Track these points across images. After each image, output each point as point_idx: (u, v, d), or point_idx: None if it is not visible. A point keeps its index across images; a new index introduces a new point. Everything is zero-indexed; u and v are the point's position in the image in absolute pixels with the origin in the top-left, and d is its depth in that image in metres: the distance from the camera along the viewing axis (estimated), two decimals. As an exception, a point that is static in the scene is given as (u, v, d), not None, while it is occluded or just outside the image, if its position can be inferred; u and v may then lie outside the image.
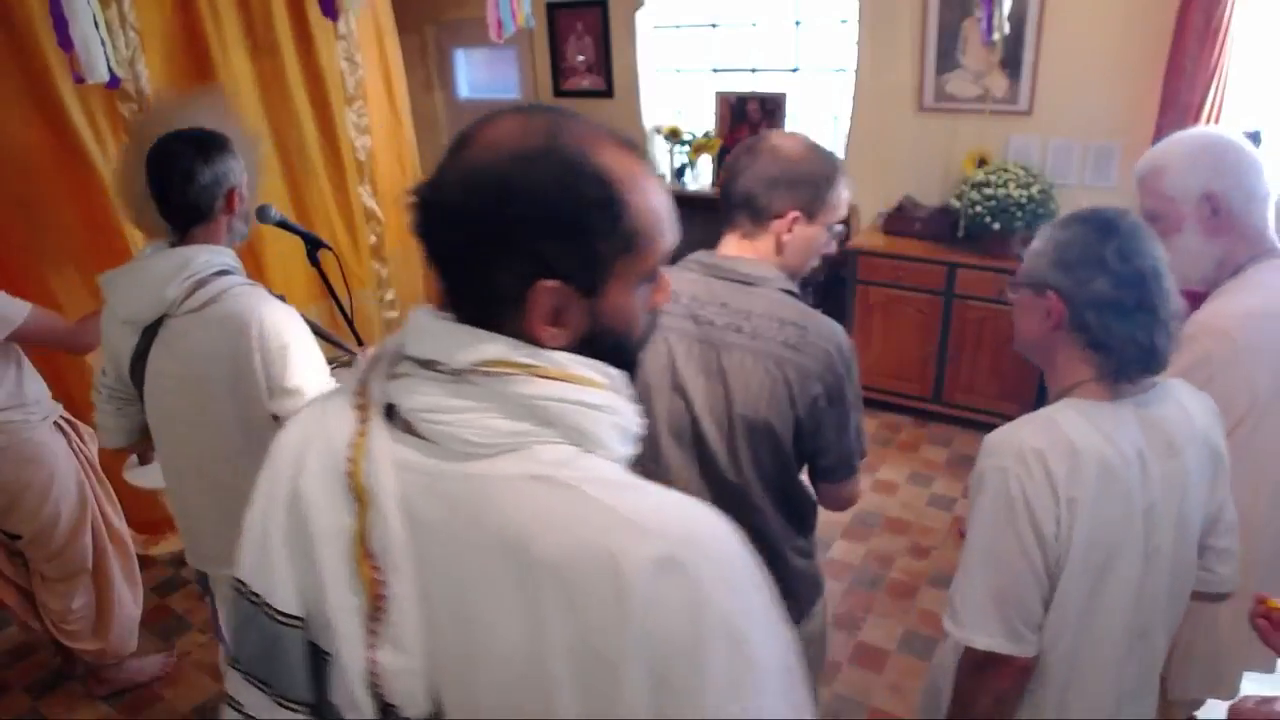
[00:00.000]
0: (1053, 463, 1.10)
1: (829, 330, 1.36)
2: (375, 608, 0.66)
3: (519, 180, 0.65)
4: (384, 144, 3.83)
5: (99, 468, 2.43)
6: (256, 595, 0.71)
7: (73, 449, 2.32)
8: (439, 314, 0.70)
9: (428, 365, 0.68)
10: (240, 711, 0.74)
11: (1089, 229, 1.15)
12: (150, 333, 1.63)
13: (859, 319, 3.96)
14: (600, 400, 0.69)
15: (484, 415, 0.66)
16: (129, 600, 2.51)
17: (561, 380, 0.67)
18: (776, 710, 0.65)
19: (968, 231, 3.70)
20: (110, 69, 2.17)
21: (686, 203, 5.19)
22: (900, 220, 3.97)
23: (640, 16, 4.67)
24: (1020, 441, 1.13)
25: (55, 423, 2.28)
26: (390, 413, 0.71)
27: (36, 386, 2.25)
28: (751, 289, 1.36)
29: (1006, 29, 3.42)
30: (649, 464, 1.36)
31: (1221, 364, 1.38)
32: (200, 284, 1.59)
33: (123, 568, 2.49)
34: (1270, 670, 1.73)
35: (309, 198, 3.52)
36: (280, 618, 0.70)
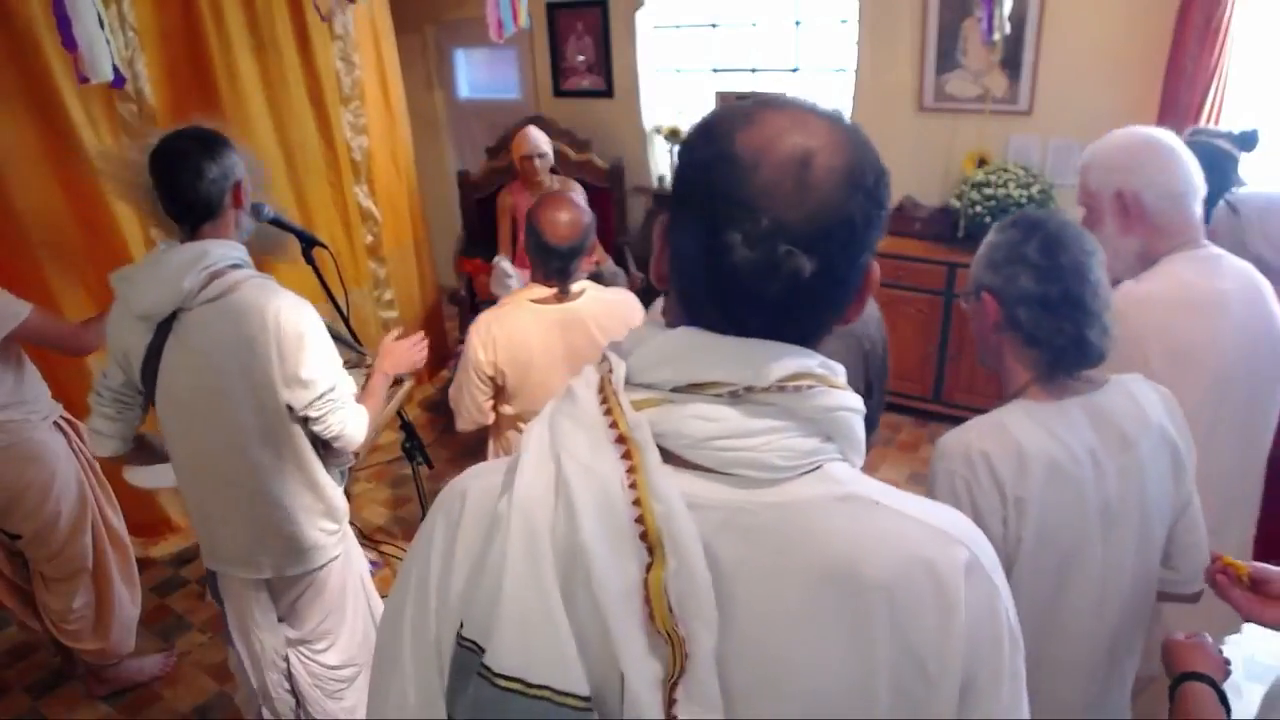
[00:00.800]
0: (998, 464, 1.13)
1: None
2: (677, 667, 0.58)
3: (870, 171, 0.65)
4: (380, 144, 3.83)
5: (99, 468, 2.43)
6: (543, 687, 0.57)
7: (73, 449, 2.32)
8: (700, 330, 0.63)
9: (695, 389, 0.62)
10: None
11: (1015, 230, 1.20)
12: (164, 329, 1.64)
13: (859, 319, 3.95)
14: (860, 406, 0.67)
15: (784, 436, 0.62)
16: (127, 600, 2.51)
17: (842, 389, 0.65)
18: (1025, 690, 0.67)
19: (968, 231, 3.70)
20: (115, 68, 2.18)
21: (686, 203, 5.22)
22: (900, 220, 3.97)
23: (640, 16, 4.67)
24: (968, 444, 1.16)
25: (55, 422, 2.28)
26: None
27: (37, 386, 2.25)
28: None
29: (1007, 29, 3.42)
30: None
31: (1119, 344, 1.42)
32: (216, 275, 1.62)
33: (121, 568, 2.49)
34: (1229, 633, 1.71)
35: (307, 197, 3.52)
36: (579, 704, 0.57)
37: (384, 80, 3.87)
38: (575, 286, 2.02)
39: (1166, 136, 1.53)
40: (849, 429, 0.65)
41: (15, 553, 2.36)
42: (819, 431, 0.63)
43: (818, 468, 0.63)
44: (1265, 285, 1.57)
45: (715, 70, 4.81)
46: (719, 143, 0.62)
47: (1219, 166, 2.23)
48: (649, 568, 0.58)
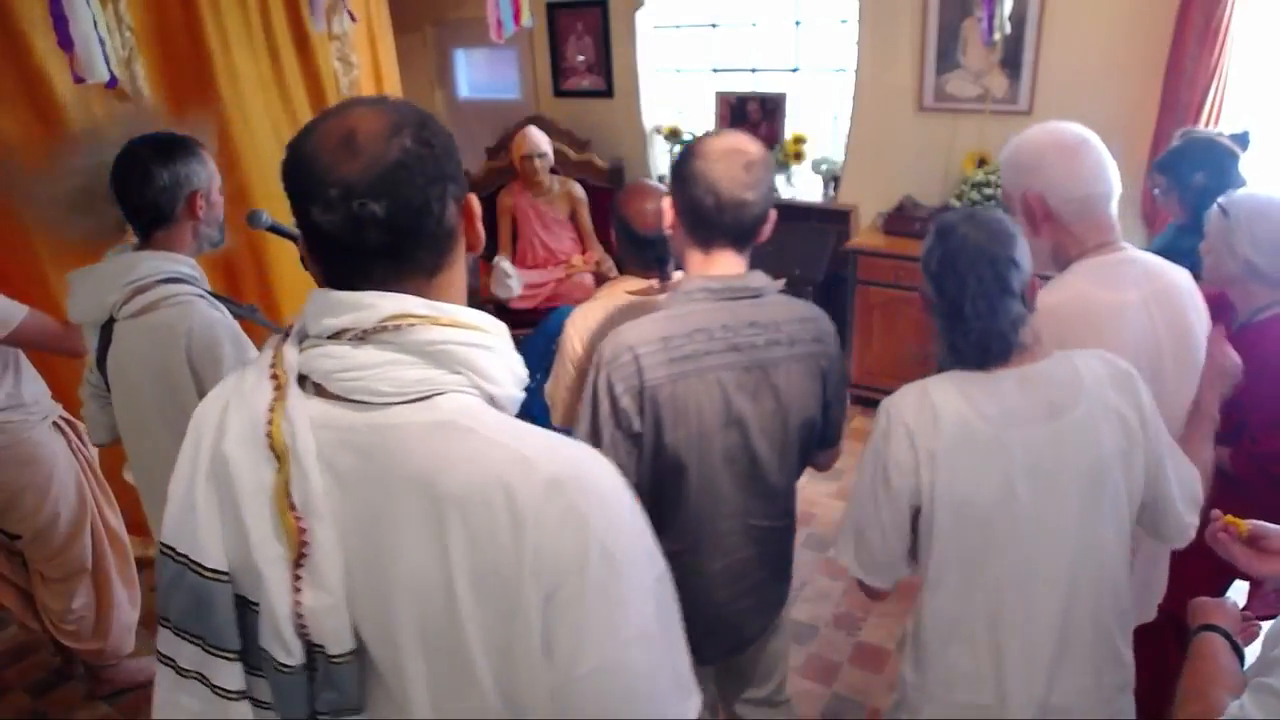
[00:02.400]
0: (911, 420, 1.28)
1: (819, 310, 1.52)
2: (299, 554, 0.73)
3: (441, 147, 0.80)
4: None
5: (98, 468, 2.43)
6: (184, 555, 0.77)
7: (72, 449, 2.32)
8: (326, 291, 0.78)
9: (336, 336, 0.76)
10: (173, 666, 0.81)
11: (930, 238, 1.33)
12: (106, 334, 1.64)
13: (859, 319, 3.96)
14: (489, 343, 0.79)
15: (393, 368, 0.75)
16: (126, 601, 2.51)
17: (455, 326, 0.77)
18: (645, 620, 0.75)
19: (968, 231, 3.70)
20: (109, 69, 2.18)
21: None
22: (900, 220, 3.97)
23: (640, 16, 4.67)
24: (891, 403, 1.33)
25: (54, 423, 2.28)
26: (303, 381, 0.79)
27: (35, 387, 2.25)
28: (761, 300, 1.43)
29: (1007, 29, 3.42)
30: (700, 495, 1.44)
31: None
32: (139, 290, 1.58)
33: (120, 568, 2.49)
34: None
35: (309, 198, 3.52)
36: (208, 574, 0.76)
37: (381, 80, 3.86)
38: (674, 277, 1.97)
39: (1078, 135, 1.50)
40: (466, 360, 0.77)
41: (15, 553, 2.36)
42: (434, 364, 0.76)
43: (428, 397, 0.75)
44: (1180, 289, 1.54)
45: (715, 70, 4.81)
46: (291, 152, 0.78)
47: (1219, 163, 2.23)
48: (278, 473, 0.74)
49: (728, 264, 1.42)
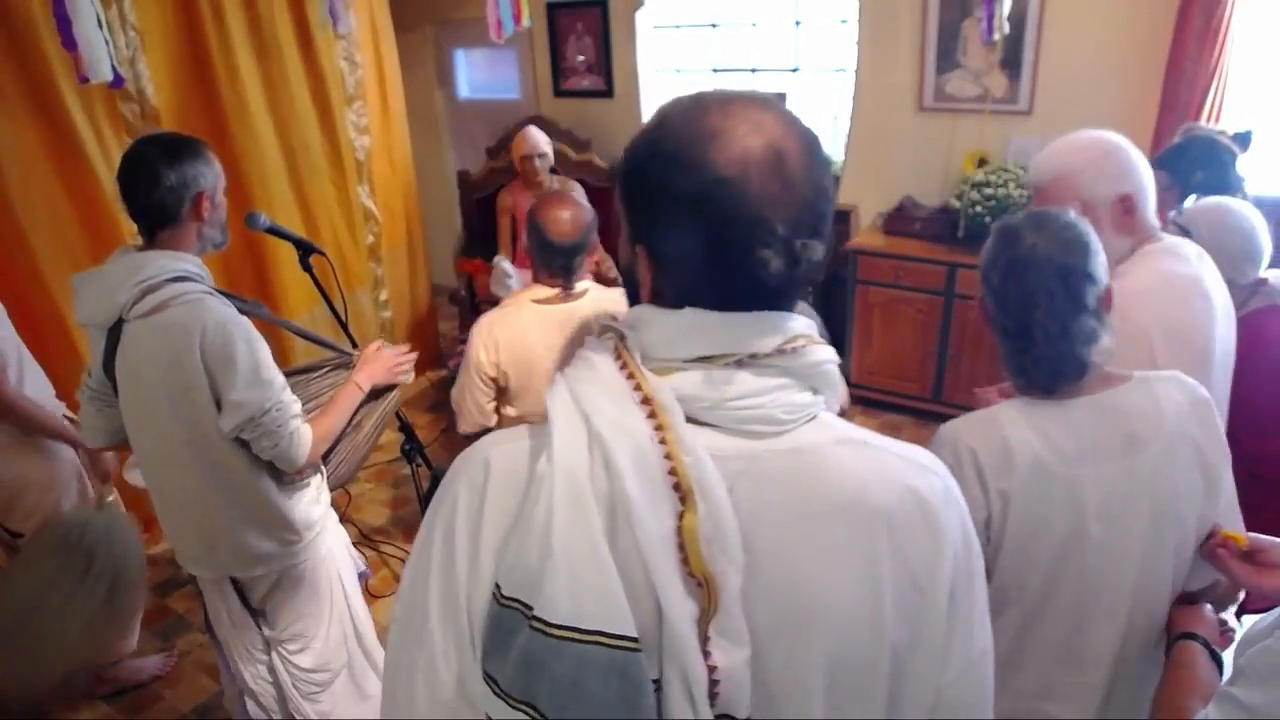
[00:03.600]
0: (983, 458, 1.18)
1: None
2: (710, 606, 0.63)
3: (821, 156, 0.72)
4: (378, 144, 3.84)
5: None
6: (596, 632, 0.61)
7: (75, 449, 2.32)
8: (704, 311, 0.69)
9: (705, 360, 0.68)
10: None
11: (993, 243, 1.22)
12: (115, 335, 1.64)
13: (859, 319, 3.96)
14: (835, 355, 0.75)
15: (786, 393, 0.69)
16: (129, 600, 2.51)
17: (823, 344, 0.73)
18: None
19: (968, 231, 3.70)
20: (114, 68, 2.18)
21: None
22: (900, 220, 3.97)
23: (640, 16, 4.67)
24: (957, 436, 1.22)
25: (56, 422, 2.29)
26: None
27: (39, 386, 2.25)
28: None
29: (1006, 29, 3.41)
30: None
31: (1122, 351, 1.42)
32: (150, 290, 1.58)
33: (123, 567, 2.49)
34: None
35: (312, 198, 3.53)
36: (630, 645, 0.61)
37: (383, 80, 3.87)
38: (579, 286, 2.02)
39: (1120, 136, 1.57)
40: (834, 379, 0.74)
41: (16, 550, 2.36)
42: (811, 384, 0.71)
43: (814, 417, 0.71)
44: (1215, 271, 1.60)
45: (715, 70, 4.81)
46: (698, 169, 0.66)
47: (1218, 160, 2.24)
48: (681, 515, 0.63)
49: None
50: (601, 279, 3.96)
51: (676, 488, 0.64)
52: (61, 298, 2.69)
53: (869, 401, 4.09)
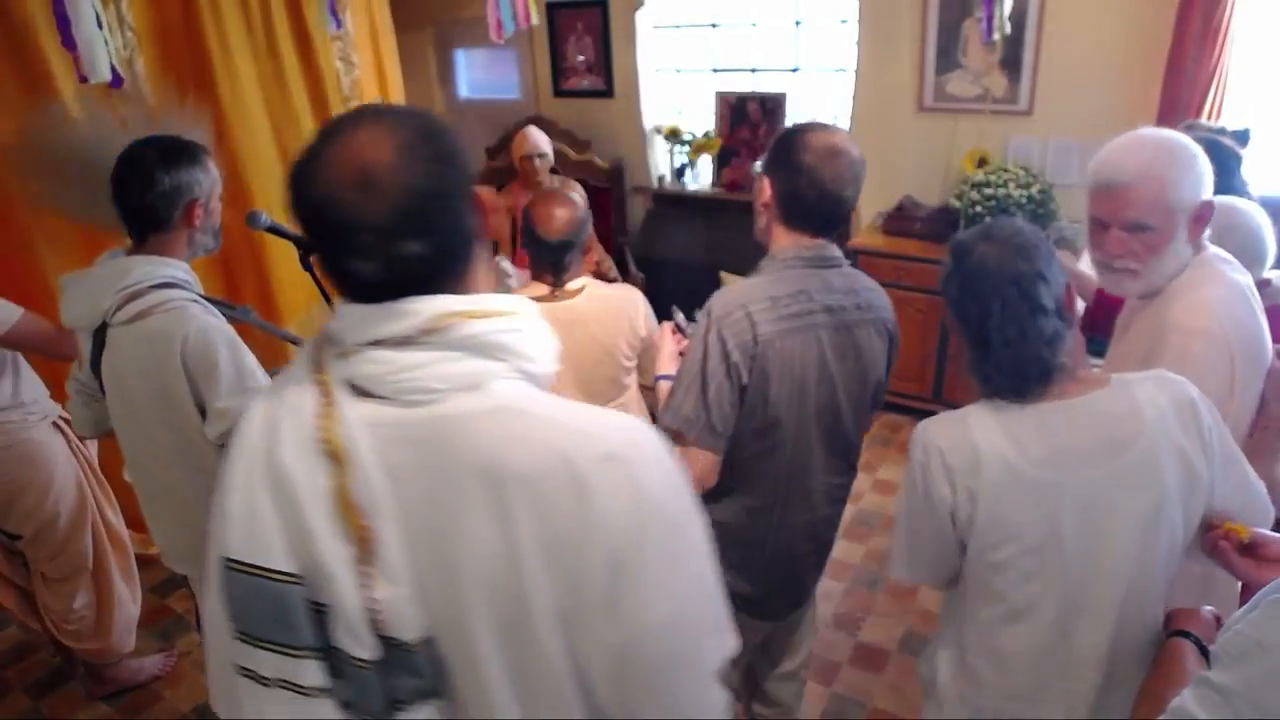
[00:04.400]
0: (951, 458, 1.22)
1: (873, 280, 1.62)
2: (365, 551, 0.75)
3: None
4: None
5: (98, 467, 2.43)
6: (254, 565, 0.77)
7: (72, 449, 2.32)
8: (361, 305, 0.79)
9: (378, 343, 0.77)
10: (255, 678, 0.80)
11: (950, 258, 1.24)
12: (101, 337, 1.64)
13: (859, 319, 3.96)
14: (521, 325, 0.82)
15: (441, 364, 0.76)
16: (128, 599, 2.51)
17: (491, 316, 0.79)
18: (701, 574, 0.81)
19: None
20: (113, 68, 2.18)
21: (687, 203, 5.17)
22: (900, 220, 3.97)
23: (640, 16, 4.67)
24: (930, 437, 1.26)
25: (54, 423, 2.28)
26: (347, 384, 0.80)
27: (34, 387, 2.25)
28: (840, 269, 1.54)
29: (1007, 29, 3.42)
30: (795, 450, 1.53)
31: (1208, 361, 1.40)
32: (134, 296, 1.58)
33: (121, 567, 2.49)
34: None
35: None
36: (283, 578, 0.76)
37: (383, 80, 3.86)
38: (574, 284, 2.02)
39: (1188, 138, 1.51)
40: (511, 347, 0.79)
41: (15, 553, 2.36)
42: (479, 355, 0.78)
43: (479, 386, 0.77)
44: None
45: (715, 70, 4.81)
46: (302, 193, 0.76)
47: (1225, 166, 2.23)
48: (337, 477, 0.76)
49: (815, 240, 1.52)
50: (601, 278, 3.96)
51: (330, 455, 0.76)
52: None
53: (869, 401, 4.09)
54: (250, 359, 1.64)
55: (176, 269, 1.64)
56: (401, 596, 0.76)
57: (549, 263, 1.97)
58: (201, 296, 1.67)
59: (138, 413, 1.65)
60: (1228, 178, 2.19)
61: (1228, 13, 3.05)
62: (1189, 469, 1.18)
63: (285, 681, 0.79)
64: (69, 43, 2.09)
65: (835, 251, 1.53)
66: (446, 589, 0.77)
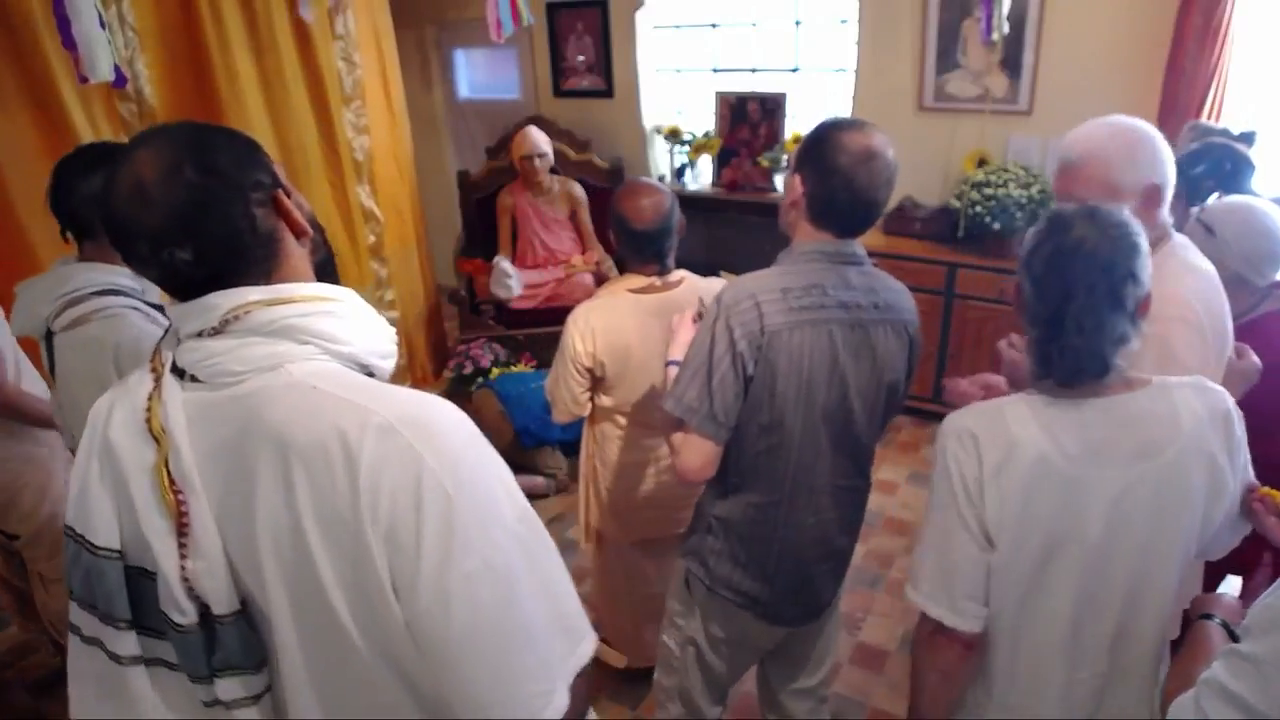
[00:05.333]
0: (985, 449, 1.17)
1: (899, 282, 1.61)
2: (181, 525, 0.81)
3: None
4: (381, 144, 3.83)
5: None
6: (80, 535, 0.85)
7: (70, 449, 2.32)
8: (178, 303, 0.86)
9: (198, 335, 0.84)
10: (79, 634, 0.88)
11: (1043, 228, 1.19)
12: (50, 345, 1.62)
13: (859, 319, 3.95)
14: (331, 309, 0.86)
15: (242, 349, 0.82)
16: (128, 600, 2.50)
17: (292, 302, 0.84)
18: (495, 554, 0.79)
19: (968, 231, 3.70)
20: (116, 68, 2.17)
21: (687, 203, 5.16)
22: (900, 220, 3.97)
23: (640, 16, 4.67)
24: (963, 425, 1.21)
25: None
26: (183, 375, 0.86)
27: (35, 388, 2.24)
28: (861, 268, 1.53)
29: (1006, 29, 3.42)
30: (802, 447, 1.50)
31: (1190, 347, 1.42)
32: (73, 303, 1.56)
33: (122, 568, 2.49)
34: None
35: (309, 198, 3.50)
36: (100, 552, 0.84)
37: (385, 80, 3.86)
38: (673, 275, 2.01)
39: (1150, 125, 1.54)
40: (309, 329, 0.84)
41: (13, 553, 2.35)
42: (280, 338, 0.83)
43: (277, 367, 0.82)
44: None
45: (715, 70, 4.81)
46: (101, 205, 0.83)
47: (1238, 170, 2.22)
48: (158, 454, 0.82)
49: (843, 238, 1.52)
50: (601, 279, 3.96)
51: (153, 434, 0.83)
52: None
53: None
54: None
55: (120, 275, 1.61)
56: (208, 569, 0.81)
57: (651, 253, 1.96)
58: (148, 303, 1.63)
59: (83, 419, 1.63)
60: (1241, 182, 2.18)
61: (1228, 13, 3.05)
62: (1217, 477, 1.18)
63: (100, 644, 0.87)
64: (69, 43, 2.09)
65: (858, 249, 1.52)
66: (249, 562, 0.82)
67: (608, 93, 4.89)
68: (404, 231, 4.11)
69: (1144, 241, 1.15)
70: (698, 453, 1.46)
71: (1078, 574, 1.19)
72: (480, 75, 5.60)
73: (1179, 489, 1.17)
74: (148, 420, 0.83)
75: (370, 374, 0.90)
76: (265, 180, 0.86)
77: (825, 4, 4.31)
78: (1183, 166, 2.27)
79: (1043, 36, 3.56)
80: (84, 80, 2.18)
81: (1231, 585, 1.34)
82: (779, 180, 4.50)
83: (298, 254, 0.90)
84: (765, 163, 4.45)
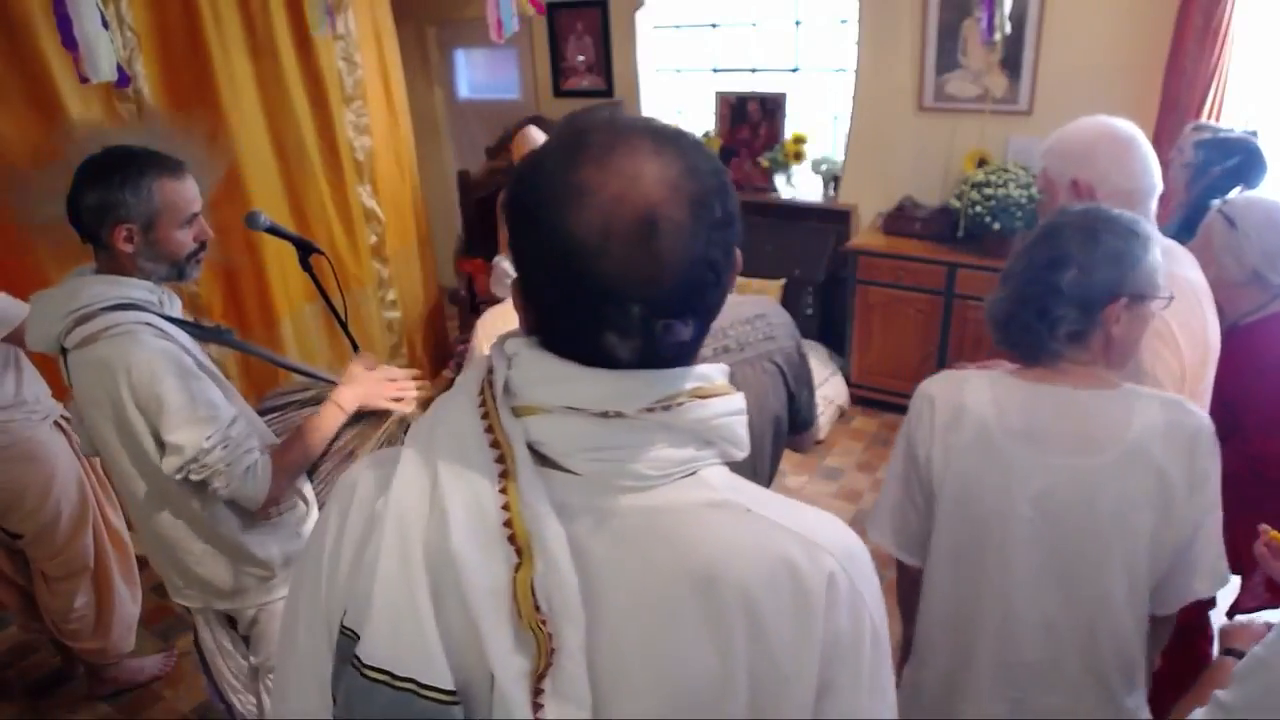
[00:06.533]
0: (938, 410, 1.27)
1: (770, 301, 1.50)
2: (543, 662, 0.61)
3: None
4: (383, 144, 3.83)
5: (98, 468, 2.43)
6: (408, 679, 0.61)
7: (73, 448, 2.32)
8: (569, 364, 0.64)
9: (570, 410, 0.63)
10: None
11: (1043, 227, 1.26)
12: (66, 362, 1.55)
13: (859, 319, 3.96)
14: (740, 405, 0.68)
15: (655, 449, 0.63)
16: (128, 599, 2.51)
17: (718, 395, 0.66)
18: (892, 693, 0.70)
19: (968, 231, 3.70)
20: (118, 66, 2.17)
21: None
22: (900, 220, 3.97)
23: (640, 16, 4.67)
24: (927, 388, 1.32)
25: (55, 422, 2.28)
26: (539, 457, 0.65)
27: (36, 386, 2.25)
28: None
29: (1007, 29, 3.41)
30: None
31: (1152, 357, 1.41)
32: (83, 319, 1.48)
33: (121, 567, 2.49)
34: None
35: (307, 198, 3.52)
36: (444, 698, 0.61)
37: (386, 80, 3.86)
38: None
39: (1128, 130, 1.51)
40: (729, 432, 0.67)
41: (16, 552, 2.36)
42: (695, 440, 0.65)
43: (693, 473, 0.65)
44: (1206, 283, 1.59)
45: (715, 70, 4.81)
46: (551, 230, 0.60)
47: (1253, 168, 2.21)
48: (518, 568, 0.61)
49: None
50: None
51: (511, 540, 0.61)
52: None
53: (869, 401, 4.09)
54: (204, 386, 1.51)
55: (135, 289, 1.52)
56: (570, 715, 0.61)
57: None
58: (167, 318, 1.56)
59: (106, 447, 1.56)
60: (1254, 178, 2.18)
61: (1228, 13, 3.05)
62: (1166, 496, 1.16)
63: None
64: (70, 43, 2.08)
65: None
66: (632, 710, 0.63)
67: (608, 93, 4.89)
68: (405, 231, 4.11)
69: (1126, 250, 1.17)
70: None
71: (1009, 553, 1.22)
72: (480, 75, 5.60)
73: (1116, 495, 1.16)
74: (507, 523, 0.61)
75: None
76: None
77: (825, 4, 4.31)
78: (1214, 157, 2.25)
79: (1043, 36, 3.56)
80: (85, 80, 2.18)
81: (1231, 585, 1.34)
82: (779, 180, 4.50)
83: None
84: (765, 163, 4.45)
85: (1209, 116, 3.16)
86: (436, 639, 0.61)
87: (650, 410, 0.63)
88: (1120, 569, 1.19)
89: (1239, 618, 1.20)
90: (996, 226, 3.55)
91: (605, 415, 0.62)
